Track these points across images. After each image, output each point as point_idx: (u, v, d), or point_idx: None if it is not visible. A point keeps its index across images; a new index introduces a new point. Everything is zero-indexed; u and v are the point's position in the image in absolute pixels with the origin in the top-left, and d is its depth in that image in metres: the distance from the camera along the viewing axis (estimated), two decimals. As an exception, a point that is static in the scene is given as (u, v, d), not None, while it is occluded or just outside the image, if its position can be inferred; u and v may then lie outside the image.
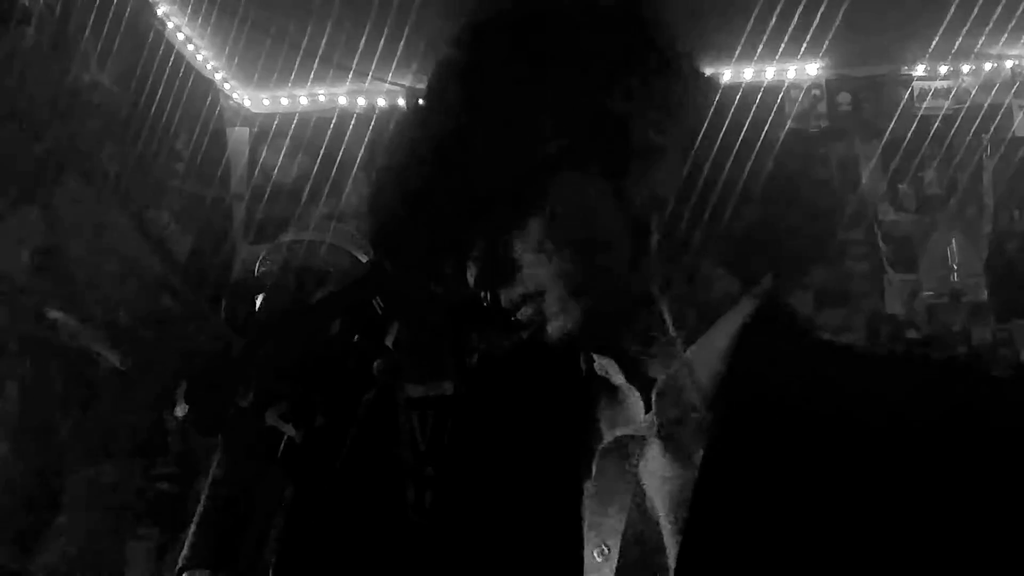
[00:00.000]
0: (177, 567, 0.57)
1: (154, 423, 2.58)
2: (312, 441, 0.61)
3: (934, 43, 3.81)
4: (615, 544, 0.79)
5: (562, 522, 0.82)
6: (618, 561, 0.78)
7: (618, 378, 0.84)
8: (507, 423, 0.87)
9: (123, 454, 2.62)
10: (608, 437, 0.83)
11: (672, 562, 0.75)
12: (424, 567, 0.78)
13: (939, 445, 0.70)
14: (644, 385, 0.82)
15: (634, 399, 0.83)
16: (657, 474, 0.79)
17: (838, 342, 0.84)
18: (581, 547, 0.81)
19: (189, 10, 3.56)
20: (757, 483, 0.72)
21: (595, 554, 0.80)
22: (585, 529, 0.82)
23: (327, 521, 0.68)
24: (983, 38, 3.93)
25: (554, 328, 0.79)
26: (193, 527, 0.59)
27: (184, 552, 0.58)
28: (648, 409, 0.81)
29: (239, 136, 4.31)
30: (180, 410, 0.59)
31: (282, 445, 0.60)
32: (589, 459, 0.83)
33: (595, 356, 0.86)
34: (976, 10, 3.45)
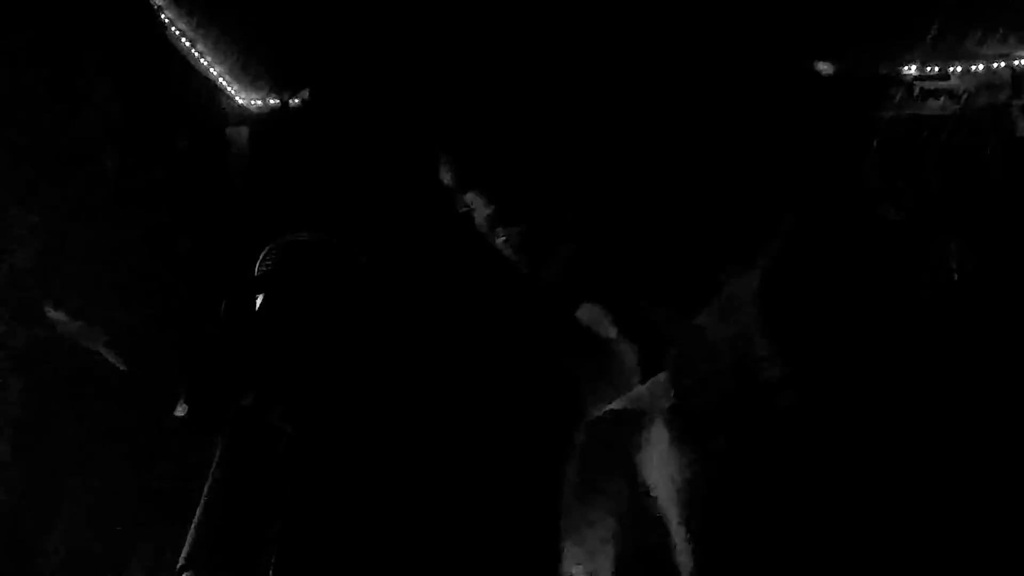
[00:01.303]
0: (177, 567, 0.57)
1: (154, 423, 2.58)
2: (312, 441, 0.61)
3: (934, 44, 3.81)
4: (606, 558, 0.61)
5: (530, 527, 0.64)
6: None
7: (608, 330, 0.68)
8: (462, 397, 0.69)
9: (123, 454, 2.62)
10: (594, 410, 0.66)
11: None
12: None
13: None
14: (642, 341, 0.65)
15: (629, 357, 0.66)
16: (665, 460, 0.61)
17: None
18: (557, 560, 0.63)
19: (190, 10, 3.56)
20: (804, 474, 0.57)
21: (578, 572, 0.62)
22: (563, 539, 0.64)
23: (327, 521, 0.68)
24: (984, 38, 3.92)
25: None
26: (193, 527, 0.59)
27: (184, 552, 0.58)
28: (646, 373, 0.65)
29: (239, 136, 4.30)
30: (180, 410, 0.59)
31: (282, 445, 0.60)
32: (567, 440, 0.65)
33: (581, 304, 0.68)
34: (976, 10, 3.44)
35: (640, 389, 0.64)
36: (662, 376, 0.62)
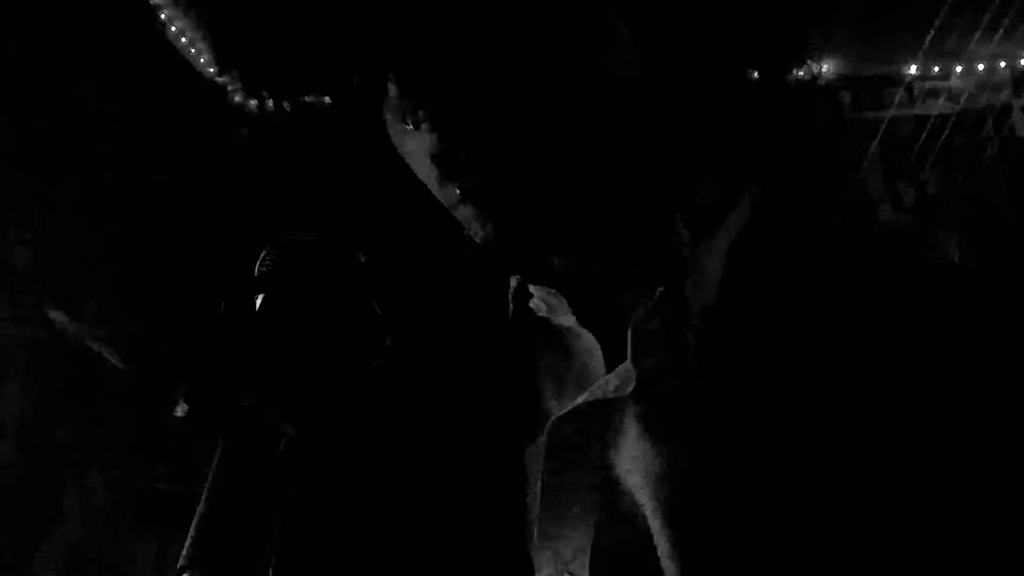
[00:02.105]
0: (177, 567, 0.57)
1: (154, 423, 2.58)
2: (312, 441, 0.61)
3: (934, 44, 3.82)
4: (582, 565, 0.56)
5: (499, 541, 0.59)
6: None
7: (566, 318, 0.60)
8: (412, 400, 0.65)
9: (123, 454, 2.62)
10: (557, 408, 0.59)
11: None
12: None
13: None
14: (605, 328, 0.59)
15: (590, 348, 0.59)
16: (635, 453, 0.55)
17: (842, 256, 0.65)
18: (530, 566, 0.58)
19: (190, 10, 3.56)
20: (776, 457, 0.52)
21: None
22: (535, 546, 0.58)
23: (327, 521, 0.68)
24: (983, 38, 3.93)
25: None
26: (193, 527, 0.59)
27: (184, 552, 0.58)
28: (611, 364, 0.58)
29: (239, 136, 4.31)
30: (180, 410, 0.59)
31: (282, 445, 0.60)
32: (530, 441, 0.60)
33: (531, 288, 0.61)
34: (976, 11, 3.45)
35: (605, 379, 0.58)
36: (626, 363, 0.56)
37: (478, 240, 0.57)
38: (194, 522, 0.59)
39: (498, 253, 0.58)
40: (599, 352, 0.59)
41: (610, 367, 0.59)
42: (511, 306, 0.64)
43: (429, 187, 0.57)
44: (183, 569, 0.57)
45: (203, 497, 0.60)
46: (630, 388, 0.56)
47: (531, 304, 0.62)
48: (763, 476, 0.52)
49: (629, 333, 0.56)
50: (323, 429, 0.62)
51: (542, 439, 0.59)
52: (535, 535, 0.58)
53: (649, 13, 0.56)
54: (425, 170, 0.56)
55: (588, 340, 0.60)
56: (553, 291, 0.60)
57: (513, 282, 0.64)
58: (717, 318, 0.56)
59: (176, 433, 2.61)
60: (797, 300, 0.57)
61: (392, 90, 0.55)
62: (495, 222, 0.55)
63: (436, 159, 0.54)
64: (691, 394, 0.55)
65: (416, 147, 0.56)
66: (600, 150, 0.55)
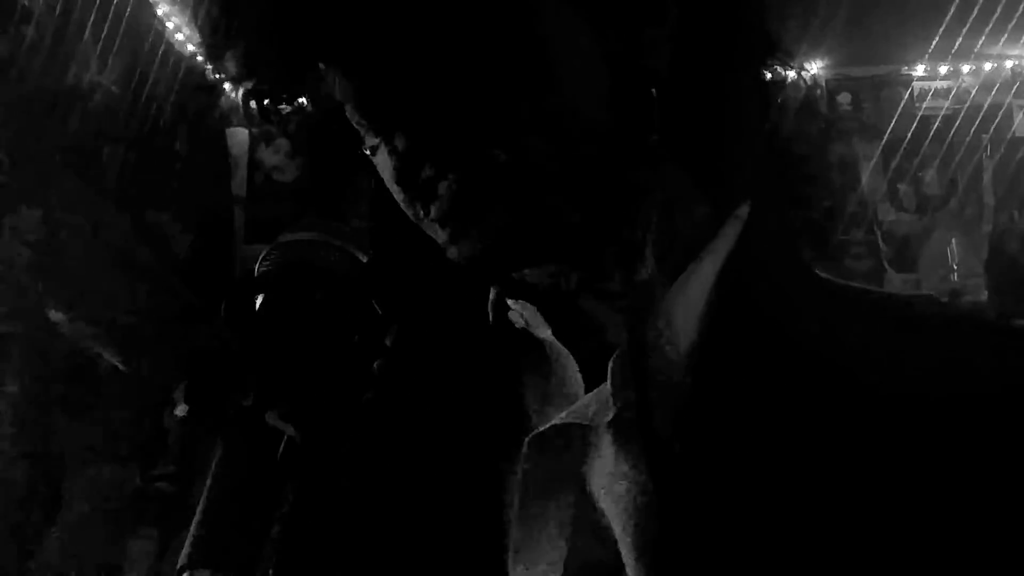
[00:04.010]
0: (178, 567, 0.57)
1: (154, 423, 2.58)
2: (312, 441, 0.61)
3: (934, 43, 3.82)
4: (555, 574, 0.56)
5: (476, 554, 0.59)
6: None
7: (543, 332, 0.60)
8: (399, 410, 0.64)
9: (123, 454, 2.62)
10: (538, 424, 0.59)
11: None
12: None
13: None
14: (581, 344, 0.59)
15: (567, 364, 0.59)
16: (611, 477, 0.56)
17: (846, 286, 0.63)
18: None
19: (190, 10, 3.56)
20: (751, 490, 0.52)
21: None
22: (510, 561, 0.58)
23: (328, 521, 0.68)
24: (983, 38, 3.93)
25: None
26: (193, 527, 0.59)
27: (184, 551, 0.58)
28: (591, 381, 0.58)
29: (239, 136, 4.31)
30: (180, 410, 0.59)
31: (282, 445, 0.60)
32: (512, 455, 0.59)
33: (509, 301, 0.61)
34: (976, 11, 3.45)
35: (583, 402, 0.57)
36: (606, 388, 0.56)
37: (448, 255, 0.56)
38: (194, 522, 0.59)
39: (469, 267, 0.57)
40: (577, 370, 0.59)
41: (588, 383, 0.58)
42: (491, 317, 0.63)
43: (399, 204, 0.57)
44: (183, 569, 0.57)
45: (203, 497, 0.60)
46: (608, 417, 0.56)
47: (509, 316, 0.62)
48: (728, 505, 0.52)
49: (611, 364, 0.56)
50: (323, 429, 0.62)
51: (522, 453, 0.59)
52: (511, 548, 0.58)
53: (620, 14, 0.55)
54: (391, 188, 0.56)
55: (566, 356, 0.59)
56: (527, 304, 0.59)
57: (492, 293, 0.63)
58: (698, 353, 0.56)
59: (176, 433, 2.61)
60: (785, 340, 0.56)
61: (350, 116, 0.55)
62: (460, 239, 0.55)
63: (398, 180, 0.54)
64: (659, 429, 0.55)
65: (381, 166, 0.56)
66: (562, 165, 0.54)
